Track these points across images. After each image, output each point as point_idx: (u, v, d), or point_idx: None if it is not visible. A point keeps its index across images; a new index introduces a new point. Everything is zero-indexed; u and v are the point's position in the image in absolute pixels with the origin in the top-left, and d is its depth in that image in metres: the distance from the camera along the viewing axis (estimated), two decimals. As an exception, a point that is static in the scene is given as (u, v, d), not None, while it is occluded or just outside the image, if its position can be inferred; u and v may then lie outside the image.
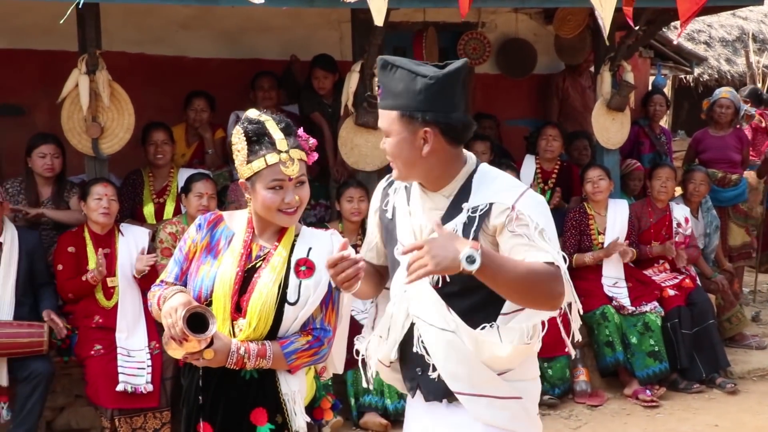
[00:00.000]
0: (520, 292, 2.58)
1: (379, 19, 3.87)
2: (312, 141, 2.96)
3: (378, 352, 2.92)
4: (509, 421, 2.76)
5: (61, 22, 4.93)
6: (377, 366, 2.97)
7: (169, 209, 6.43)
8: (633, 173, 7.85)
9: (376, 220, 2.99)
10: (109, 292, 5.66)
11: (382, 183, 3.00)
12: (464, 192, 2.72)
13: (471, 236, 2.62)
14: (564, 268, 2.63)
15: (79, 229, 5.78)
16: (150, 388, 5.31)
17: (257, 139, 2.86)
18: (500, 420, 2.75)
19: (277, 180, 2.84)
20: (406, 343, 2.83)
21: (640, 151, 8.41)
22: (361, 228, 6.33)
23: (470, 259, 2.41)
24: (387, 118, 2.71)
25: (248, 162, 2.86)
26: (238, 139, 2.89)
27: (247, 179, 2.89)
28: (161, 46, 7.59)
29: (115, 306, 5.62)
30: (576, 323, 2.88)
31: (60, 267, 5.67)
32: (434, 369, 2.75)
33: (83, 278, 5.59)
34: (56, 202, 6.09)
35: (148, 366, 5.38)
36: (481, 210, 2.66)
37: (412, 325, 2.79)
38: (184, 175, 6.36)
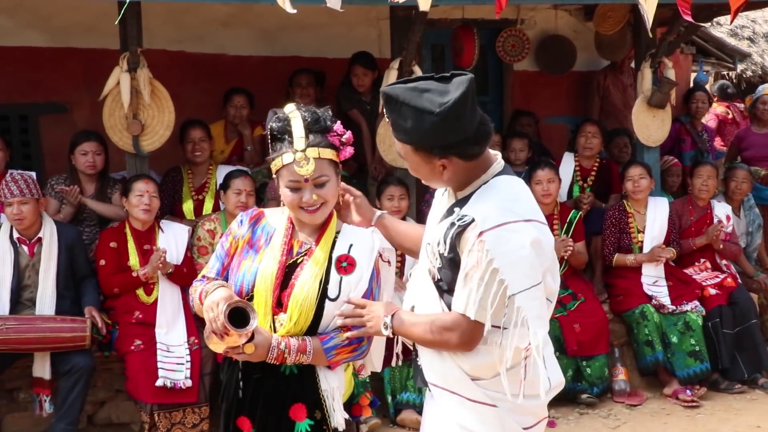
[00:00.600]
0: (420, 343, 2.81)
1: (425, 4, 3.83)
2: (346, 135, 2.94)
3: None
4: (480, 425, 2.74)
5: (116, 23, 4.99)
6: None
7: (208, 206, 6.48)
8: (671, 169, 7.78)
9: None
10: (149, 288, 5.72)
11: None
12: (469, 198, 2.72)
13: (449, 242, 2.65)
14: (486, 315, 2.61)
15: (121, 225, 5.85)
16: (189, 383, 5.36)
17: (280, 136, 2.89)
18: (470, 422, 2.74)
19: (293, 180, 2.87)
20: None
21: (681, 148, 8.33)
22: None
23: (385, 326, 2.80)
24: (403, 148, 2.74)
25: (273, 159, 2.91)
26: (267, 136, 2.94)
27: (276, 174, 2.94)
28: (201, 44, 7.65)
29: (155, 302, 5.67)
30: (523, 367, 2.74)
31: (102, 262, 5.74)
32: (420, 356, 2.87)
33: (134, 274, 5.65)
34: (99, 198, 6.17)
35: (187, 361, 5.43)
36: (464, 222, 2.63)
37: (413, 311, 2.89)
38: (222, 172, 6.40)
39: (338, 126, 2.93)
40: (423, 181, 2.83)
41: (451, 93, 2.57)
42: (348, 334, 2.85)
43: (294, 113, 2.90)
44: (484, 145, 2.71)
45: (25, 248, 5.56)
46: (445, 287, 2.74)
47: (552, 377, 2.85)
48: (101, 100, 5.98)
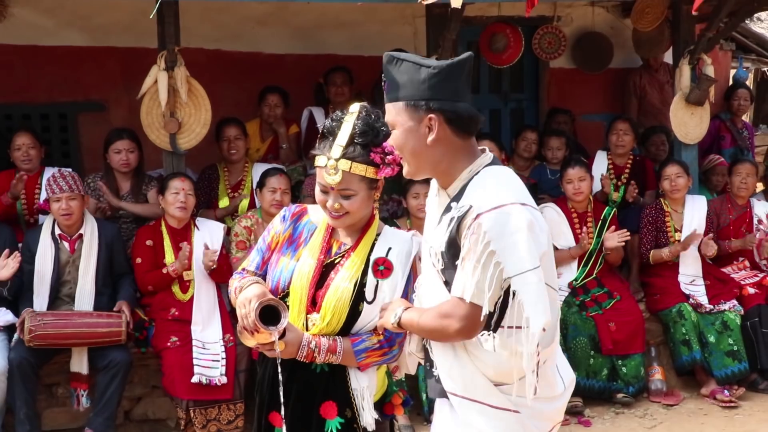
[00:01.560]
0: (424, 335, 2.73)
1: (457, 2, 3.82)
2: (391, 156, 2.83)
3: (410, 344, 2.88)
4: None
5: (151, 16, 5.04)
6: (411, 357, 2.92)
7: (244, 204, 6.52)
8: (716, 168, 7.69)
9: None
10: (185, 286, 5.77)
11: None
12: (462, 191, 2.63)
13: (449, 236, 2.59)
14: (483, 298, 2.52)
15: (157, 223, 5.90)
16: (224, 380, 5.40)
17: (326, 136, 2.89)
18: (491, 430, 2.63)
19: (320, 183, 2.89)
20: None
21: (721, 145, 8.24)
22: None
23: (395, 316, 2.74)
24: (392, 109, 2.68)
25: (314, 155, 2.92)
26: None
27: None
28: (237, 43, 7.69)
29: (191, 299, 5.72)
30: (529, 352, 2.61)
31: (139, 260, 5.80)
32: (436, 367, 2.72)
33: (164, 271, 5.71)
34: (135, 195, 6.23)
35: (223, 358, 5.47)
36: (461, 212, 2.57)
37: None
38: (258, 169, 6.44)
39: (389, 144, 2.81)
40: (407, 166, 2.72)
41: (451, 59, 2.65)
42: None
43: (348, 118, 2.87)
44: (471, 123, 2.67)
45: (66, 244, 5.63)
46: (450, 287, 2.65)
47: (564, 376, 2.80)
48: (139, 98, 6.04)
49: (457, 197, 2.63)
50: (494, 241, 2.48)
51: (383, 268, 2.93)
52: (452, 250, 2.60)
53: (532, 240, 2.52)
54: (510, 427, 2.65)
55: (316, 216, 3.05)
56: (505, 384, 2.63)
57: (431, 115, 2.61)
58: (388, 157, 2.85)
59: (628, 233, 6.43)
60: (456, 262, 2.58)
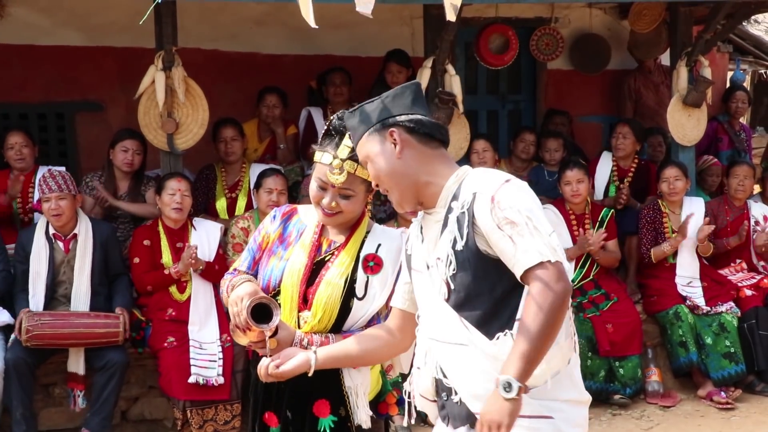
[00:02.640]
0: (551, 338, 2.39)
1: (451, 15, 3.84)
2: None
3: (419, 386, 2.72)
4: None
5: (141, 22, 5.02)
6: (421, 402, 2.75)
7: (241, 204, 6.52)
8: (710, 169, 7.69)
9: (404, 263, 2.79)
10: (182, 286, 5.77)
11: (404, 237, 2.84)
12: (455, 195, 2.53)
13: (465, 236, 2.47)
14: (559, 253, 2.40)
15: (154, 223, 5.90)
16: (221, 380, 5.39)
17: (332, 134, 2.91)
18: None
19: (321, 180, 2.89)
20: (431, 371, 2.65)
21: (719, 147, 8.24)
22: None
23: (507, 389, 2.32)
24: (360, 148, 2.65)
25: (316, 150, 2.94)
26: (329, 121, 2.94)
27: (313, 164, 2.97)
28: (235, 43, 7.68)
29: (188, 299, 5.72)
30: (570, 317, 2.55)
31: (136, 260, 5.80)
32: (456, 392, 2.54)
33: (166, 272, 5.70)
34: (133, 196, 6.23)
35: (220, 359, 5.47)
36: (468, 203, 2.47)
37: (430, 350, 2.62)
38: (256, 170, 6.43)
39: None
40: (393, 195, 2.62)
41: (394, 89, 2.67)
42: None
43: None
44: (435, 129, 2.62)
45: (61, 244, 5.62)
46: (462, 296, 2.51)
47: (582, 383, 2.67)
48: (136, 98, 6.03)
49: (453, 199, 2.54)
50: (523, 206, 2.41)
51: (373, 264, 2.94)
52: (469, 242, 2.47)
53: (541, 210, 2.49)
54: None
55: (306, 215, 3.07)
56: (536, 387, 2.46)
57: (391, 129, 2.57)
58: None
59: (605, 233, 6.43)
60: (474, 258, 2.47)
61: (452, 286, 2.52)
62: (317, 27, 3.29)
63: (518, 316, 2.42)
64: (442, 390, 2.63)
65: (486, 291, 2.48)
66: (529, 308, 2.36)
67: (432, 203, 2.59)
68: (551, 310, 2.35)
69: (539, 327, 2.34)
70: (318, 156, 2.91)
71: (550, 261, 2.37)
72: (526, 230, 2.38)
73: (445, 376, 2.58)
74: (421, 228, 2.66)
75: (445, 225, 2.54)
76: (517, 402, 2.32)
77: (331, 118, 2.94)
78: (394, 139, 2.57)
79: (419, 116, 2.60)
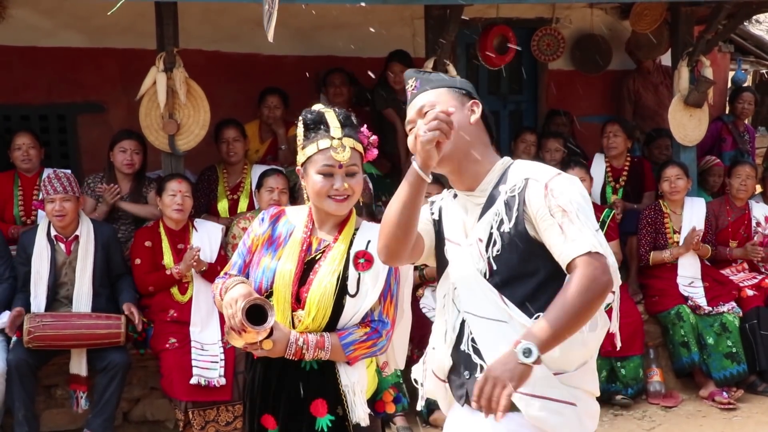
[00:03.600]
0: (581, 324, 2.45)
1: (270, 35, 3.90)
2: (373, 138, 3.04)
3: (432, 363, 2.73)
4: (561, 427, 2.51)
5: (109, 13, 5.03)
6: (433, 382, 2.76)
7: (243, 205, 6.52)
8: (712, 169, 7.69)
9: (427, 216, 2.79)
10: (183, 287, 5.77)
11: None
12: (501, 180, 2.60)
13: (514, 219, 2.51)
14: (605, 248, 2.44)
15: (155, 224, 5.90)
16: (223, 381, 5.39)
17: (314, 126, 2.97)
18: (552, 425, 2.50)
19: (327, 165, 2.92)
20: (455, 348, 2.65)
21: (722, 148, 8.23)
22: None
23: (527, 354, 2.31)
24: (433, 93, 2.63)
25: (303, 147, 2.97)
26: (298, 128, 3.01)
27: (302, 165, 2.99)
28: (236, 44, 7.68)
29: (190, 300, 5.72)
30: (616, 310, 2.70)
31: (138, 261, 5.80)
32: (482, 369, 2.52)
33: (167, 272, 5.71)
34: (134, 197, 6.23)
35: (221, 360, 5.47)
36: (519, 188, 2.52)
37: (463, 324, 2.62)
38: (257, 171, 6.44)
39: (365, 128, 3.05)
40: (446, 146, 2.50)
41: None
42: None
43: (326, 108, 3.01)
44: (493, 128, 2.73)
45: (62, 246, 5.62)
46: (505, 276, 2.53)
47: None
48: (138, 99, 6.03)
49: (499, 184, 2.59)
50: (573, 197, 2.47)
51: (364, 261, 2.96)
52: (519, 226, 2.51)
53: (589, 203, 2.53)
54: (568, 422, 2.53)
55: (294, 216, 3.09)
56: (565, 372, 2.54)
57: (474, 101, 2.65)
58: (371, 138, 3.02)
59: None
60: (521, 240, 2.50)
61: (494, 266, 2.54)
62: (272, 42, 3.40)
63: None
64: (466, 368, 2.61)
65: (529, 274, 2.51)
66: (571, 287, 2.38)
67: (471, 183, 2.64)
68: (592, 296, 2.39)
69: (576, 308, 2.37)
70: (311, 149, 2.95)
71: (598, 252, 2.41)
72: (577, 221, 2.43)
73: (476, 352, 2.57)
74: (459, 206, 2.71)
75: (488, 206, 2.58)
76: (529, 369, 2.31)
77: (302, 118, 3.01)
78: (473, 110, 2.64)
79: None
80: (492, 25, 7.37)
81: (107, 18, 7.03)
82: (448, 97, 2.63)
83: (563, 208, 2.44)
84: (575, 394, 2.54)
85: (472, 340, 2.58)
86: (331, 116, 2.97)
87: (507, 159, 2.69)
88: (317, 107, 3.03)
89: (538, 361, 2.31)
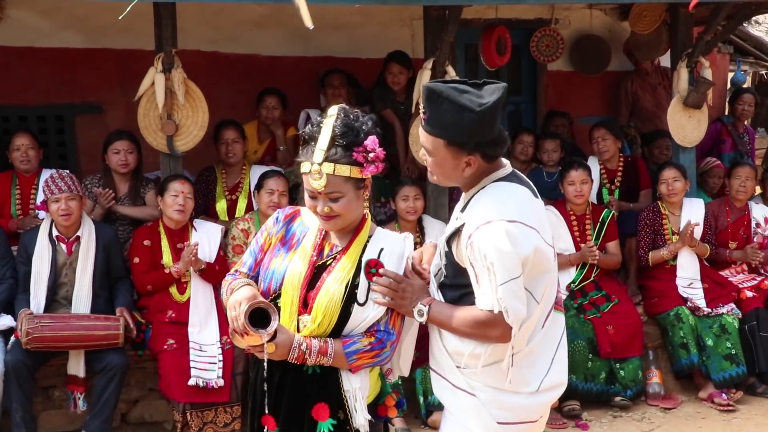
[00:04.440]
0: (459, 335, 2.90)
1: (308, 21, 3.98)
2: (374, 153, 2.86)
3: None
4: (459, 411, 2.95)
5: (120, 17, 5.03)
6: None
7: (242, 206, 6.52)
8: (712, 171, 7.68)
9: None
10: (182, 287, 5.76)
11: None
12: (468, 203, 2.93)
13: (445, 244, 2.93)
14: (508, 301, 2.78)
15: (154, 224, 5.89)
16: (221, 382, 5.38)
17: (308, 141, 2.90)
18: (452, 406, 2.98)
19: (308, 189, 2.90)
20: None
21: (721, 149, 8.23)
22: (419, 226, 6.32)
23: (420, 313, 2.89)
24: (433, 142, 2.87)
25: (301, 161, 2.93)
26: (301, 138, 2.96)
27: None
28: (235, 45, 7.68)
29: (188, 301, 5.71)
30: (508, 362, 2.93)
31: (136, 260, 5.79)
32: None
33: (166, 271, 5.70)
34: (132, 198, 6.22)
35: (220, 361, 5.45)
36: (457, 227, 2.88)
37: None
38: (256, 172, 6.43)
39: (371, 141, 2.87)
40: (437, 179, 2.98)
41: (487, 96, 2.79)
42: (378, 298, 2.88)
43: (328, 121, 2.88)
44: (502, 150, 2.92)
45: (63, 246, 5.61)
46: (447, 282, 2.97)
47: (547, 379, 2.97)
48: (136, 100, 6.02)
49: (464, 208, 2.94)
50: (488, 255, 2.76)
51: (375, 271, 2.92)
52: (450, 256, 2.93)
53: (514, 252, 2.77)
54: (466, 408, 2.94)
55: (309, 218, 3.06)
56: (468, 368, 2.93)
57: (471, 157, 2.86)
58: (370, 155, 2.87)
59: (596, 252, 6.42)
60: (452, 265, 2.93)
61: (444, 271, 2.99)
62: (312, 27, 3.39)
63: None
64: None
65: (458, 285, 2.93)
66: (468, 316, 2.86)
67: (465, 190, 2.99)
68: (473, 335, 2.87)
69: (458, 329, 2.89)
70: (303, 167, 2.90)
71: (493, 311, 2.79)
72: (485, 277, 2.79)
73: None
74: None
75: (453, 220, 2.97)
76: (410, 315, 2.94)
77: (304, 130, 2.95)
78: (469, 163, 2.87)
79: (497, 140, 2.88)
80: (495, 26, 7.36)
81: (105, 18, 7.07)
82: (445, 153, 2.86)
83: (477, 262, 2.79)
84: (474, 386, 2.92)
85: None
86: (324, 134, 2.85)
87: (494, 176, 2.93)
88: (320, 118, 2.92)
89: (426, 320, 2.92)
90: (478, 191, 2.90)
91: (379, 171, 2.92)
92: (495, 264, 2.75)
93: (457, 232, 2.87)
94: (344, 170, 2.85)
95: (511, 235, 2.75)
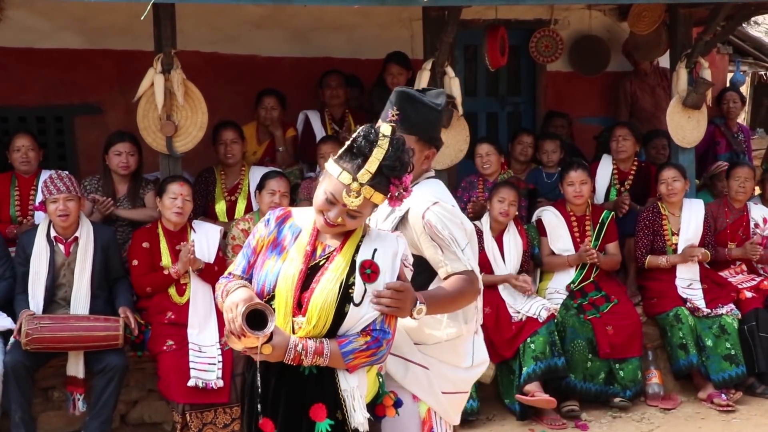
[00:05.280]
0: (453, 309, 3.30)
1: None
2: (405, 192, 2.91)
3: None
4: (410, 383, 3.33)
5: (142, 17, 5.04)
6: None
7: (241, 207, 6.51)
8: (722, 174, 7.65)
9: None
10: (181, 289, 5.76)
11: None
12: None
13: (393, 227, 3.28)
14: (476, 268, 3.30)
15: (153, 225, 5.89)
16: (220, 383, 5.38)
17: (356, 152, 2.87)
18: (403, 378, 3.32)
19: (332, 195, 2.87)
20: None
21: (716, 150, 8.22)
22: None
23: (419, 312, 3.02)
24: (407, 140, 3.05)
25: (336, 160, 2.90)
26: (352, 136, 2.91)
27: (325, 171, 2.94)
28: (234, 46, 7.68)
29: (187, 302, 5.71)
30: (480, 316, 3.51)
31: (135, 262, 5.79)
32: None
33: (165, 272, 5.70)
34: (132, 199, 6.22)
35: (219, 362, 5.45)
36: (403, 212, 3.28)
37: None
38: (255, 172, 6.44)
39: (407, 179, 2.92)
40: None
41: (439, 98, 3.38)
42: (377, 308, 2.92)
43: (382, 143, 2.86)
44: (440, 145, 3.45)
45: (62, 247, 5.61)
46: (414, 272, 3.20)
47: (477, 356, 3.48)
48: (135, 101, 6.02)
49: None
50: (449, 229, 3.25)
51: (370, 272, 2.92)
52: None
53: (462, 225, 3.33)
54: (418, 380, 3.34)
55: (301, 219, 3.06)
56: (424, 344, 3.36)
57: (432, 149, 3.37)
58: (401, 191, 2.91)
59: (594, 253, 6.43)
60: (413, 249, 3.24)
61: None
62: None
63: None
64: None
65: (420, 272, 3.26)
66: (453, 285, 3.22)
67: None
68: (465, 298, 3.28)
69: (451, 302, 3.24)
70: (334, 170, 2.87)
71: (467, 269, 3.26)
72: (455, 248, 3.25)
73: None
74: None
75: (392, 211, 3.30)
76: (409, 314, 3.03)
77: (358, 133, 2.90)
78: (429, 156, 3.38)
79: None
80: (498, 26, 7.35)
81: (104, 19, 7.07)
82: (413, 147, 3.19)
83: (438, 235, 3.24)
84: (429, 361, 3.35)
85: None
86: (376, 156, 2.84)
87: (426, 174, 3.43)
88: (377, 134, 2.88)
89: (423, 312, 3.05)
90: (415, 185, 3.22)
91: (399, 205, 3.04)
92: (454, 232, 3.24)
93: (403, 220, 3.28)
94: (378, 198, 2.89)
95: (456, 211, 3.31)
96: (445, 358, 3.39)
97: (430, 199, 3.27)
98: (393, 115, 3.07)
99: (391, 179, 2.87)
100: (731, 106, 8.32)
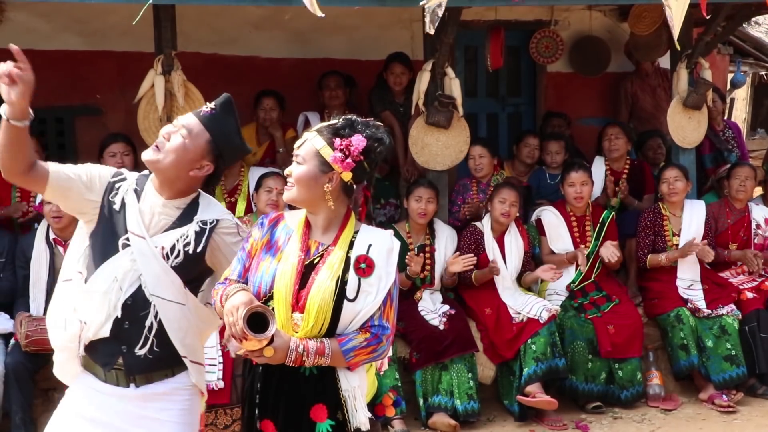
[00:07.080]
0: None
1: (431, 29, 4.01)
2: (353, 148, 2.97)
3: (70, 334, 3.28)
4: (193, 374, 3.25)
5: (134, 22, 5.03)
6: (62, 348, 3.37)
7: (240, 208, 6.51)
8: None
9: (100, 203, 3.20)
10: (181, 290, 5.75)
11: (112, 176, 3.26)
12: (193, 207, 3.18)
13: (202, 244, 3.14)
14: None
15: (153, 227, 5.88)
16: (221, 384, 5.38)
17: (370, 160, 2.99)
18: (192, 374, 3.24)
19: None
20: (116, 323, 3.11)
21: (700, 151, 8.19)
22: (429, 229, 6.32)
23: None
24: (310, 148, 3.06)
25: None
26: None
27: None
28: (234, 47, 7.68)
29: (188, 303, 5.70)
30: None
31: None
32: (143, 345, 3.11)
33: None
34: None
35: (220, 363, 5.44)
36: (211, 224, 3.16)
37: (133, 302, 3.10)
38: (254, 174, 6.43)
39: (357, 140, 2.95)
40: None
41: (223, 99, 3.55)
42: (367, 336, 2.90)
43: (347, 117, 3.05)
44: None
45: (61, 249, 5.61)
46: (190, 279, 3.16)
47: None
48: (136, 102, 6.03)
49: (190, 211, 3.17)
50: (241, 233, 3.21)
51: (365, 267, 2.93)
52: (200, 251, 3.14)
53: None
54: (195, 371, 3.26)
55: (293, 221, 3.07)
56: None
57: (210, 157, 3.20)
58: (350, 148, 2.94)
59: (585, 263, 6.43)
60: (196, 261, 3.15)
61: (176, 273, 3.15)
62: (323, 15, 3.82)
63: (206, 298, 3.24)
64: (125, 342, 3.12)
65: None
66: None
67: (168, 196, 3.17)
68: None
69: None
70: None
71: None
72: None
73: (157, 329, 3.12)
74: (138, 199, 3.22)
75: (177, 225, 3.16)
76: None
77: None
78: (202, 166, 3.16)
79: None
80: (499, 27, 7.36)
81: (105, 21, 7.07)
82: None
83: (237, 244, 3.16)
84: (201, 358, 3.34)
85: (158, 318, 3.10)
86: (331, 121, 3.04)
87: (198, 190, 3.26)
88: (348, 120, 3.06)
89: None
90: (196, 199, 3.21)
91: (345, 166, 2.95)
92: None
93: (211, 231, 3.16)
94: (319, 143, 2.99)
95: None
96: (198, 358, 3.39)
97: (224, 210, 3.33)
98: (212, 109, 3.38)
99: (338, 134, 3.00)
100: (711, 106, 8.32)
